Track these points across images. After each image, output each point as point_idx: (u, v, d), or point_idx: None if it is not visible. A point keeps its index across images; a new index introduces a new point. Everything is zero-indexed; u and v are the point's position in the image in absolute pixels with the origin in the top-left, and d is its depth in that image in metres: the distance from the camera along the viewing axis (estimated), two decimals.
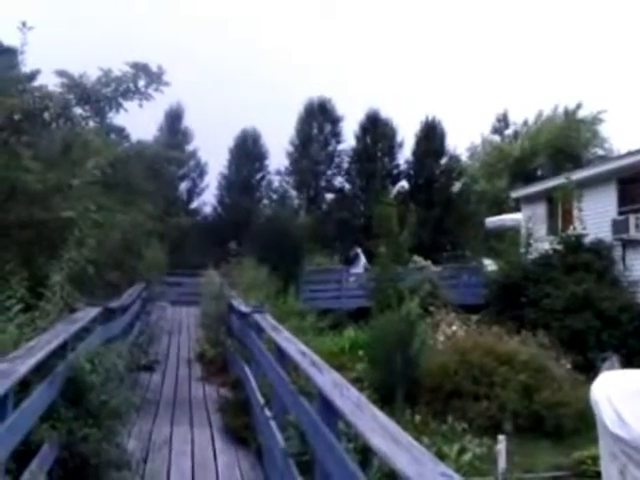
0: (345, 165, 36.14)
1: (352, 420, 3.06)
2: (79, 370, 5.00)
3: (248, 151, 35.51)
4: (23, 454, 3.90)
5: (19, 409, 3.72)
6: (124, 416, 5.52)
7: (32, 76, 10.05)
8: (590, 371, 11.16)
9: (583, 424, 9.20)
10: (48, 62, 8.57)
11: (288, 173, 36.09)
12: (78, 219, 7.33)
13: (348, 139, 35.94)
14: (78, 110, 7.77)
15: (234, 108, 41.47)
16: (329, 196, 36.46)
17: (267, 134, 36.10)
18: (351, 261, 24.31)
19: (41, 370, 4.35)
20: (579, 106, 34.45)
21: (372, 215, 27.73)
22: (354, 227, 32.82)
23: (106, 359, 5.40)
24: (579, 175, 17.52)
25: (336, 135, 36.15)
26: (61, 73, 7.51)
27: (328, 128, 36.02)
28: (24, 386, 4.01)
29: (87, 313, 6.41)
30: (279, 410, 5.44)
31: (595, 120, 34.40)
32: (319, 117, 35.88)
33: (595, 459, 7.74)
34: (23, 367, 3.78)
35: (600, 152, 33.92)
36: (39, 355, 4.16)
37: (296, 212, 32.24)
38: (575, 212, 16.26)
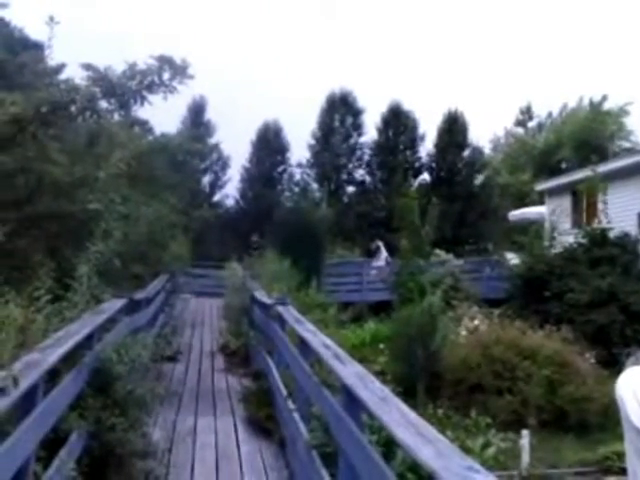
0: (366, 158, 36.06)
1: (376, 412, 3.06)
2: (106, 360, 5.08)
3: (270, 144, 35.58)
4: (53, 442, 3.98)
5: (48, 398, 3.79)
6: (149, 406, 5.59)
7: (58, 69, 10.18)
8: (614, 366, 11.01)
9: (608, 419, 9.11)
10: (74, 55, 8.67)
11: (309, 166, 36.12)
12: (104, 211, 7.42)
13: (370, 132, 35.89)
14: (103, 103, 7.84)
15: (256, 101, 41.63)
16: (350, 189, 36.45)
17: (289, 127, 36.20)
18: (372, 254, 24.30)
19: (69, 360, 4.42)
20: (605, 98, 33.94)
21: (393, 208, 27.61)
22: (375, 220, 32.75)
23: (132, 350, 5.47)
24: (604, 168, 17.28)
25: (357, 128, 36.05)
26: (87, 66, 7.58)
27: (350, 121, 35.93)
28: (53, 375, 4.08)
29: (113, 304, 6.49)
30: (302, 402, 5.47)
31: (621, 112, 33.87)
32: (341, 109, 35.80)
33: (620, 455, 7.65)
34: (52, 357, 3.85)
35: (626, 145, 33.38)
36: (67, 345, 4.22)
37: (317, 205, 32.21)
38: (600, 205, 16.05)
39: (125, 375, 5.12)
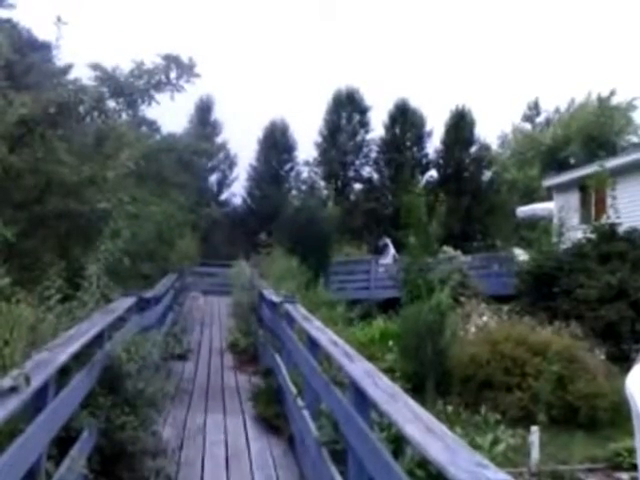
0: (373, 155, 36.01)
1: (385, 409, 3.07)
2: (116, 359, 5.12)
3: (277, 142, 35.59)
4: (64, 440, 4.01)
5: (59, 396, 3.82)
6: (159, 404, 5.62)
7: (66, 70, 10.23)
8: (624, 362, 10.99)
9: (618, 415, 9.07)
10: (82, 56, 8.71)
11: (316, 164, 36.11)
12: (113, 211, 7.46)
13: (376, 129, 35.84)
14: (111, 103, 7.87)
15: (263, 100, 41.66)
16: (357, 186, 36.42)
17: (295, 125, 36.22)
18: (380, 251, 24.29)
19: (80, 359, 4.46)
20: (613, 93, 33.74)
21: (401, 205, 27.57)
22: (382, 217, 32.73)
23: (142, 348, 5.50)
24: (613, 163, 17.19)
25: (364, 125, 36.00)
26: (95, 66, 7.62)
27: (356, 118, 35.87)
28: (64, 374, 4.12)
29: (122, 303, 6.54)
30: (311, 399, 5.49)
31: (629, 107, 33.67)
32: (347, 107, 35.74)
33: (631, 451, 7.63)
34: (63, 356, 3.88)
35: (634, 139, 33.20)
36: (78, 344, 4.26)
37: (324, 203, 32.23)
38: (609, 200, 15.96)
39: (135, 373, 5.15)
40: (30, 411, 3.35)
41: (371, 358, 6.75)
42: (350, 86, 35.59)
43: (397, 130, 35.23)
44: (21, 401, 3.00)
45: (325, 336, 5.24)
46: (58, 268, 5.67)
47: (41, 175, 7.83)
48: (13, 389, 2.98)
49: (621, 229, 15.52)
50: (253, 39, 49.26)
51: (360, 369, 3.84)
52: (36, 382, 3.22)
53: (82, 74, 8.05)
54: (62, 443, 3.97)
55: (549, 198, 22.18)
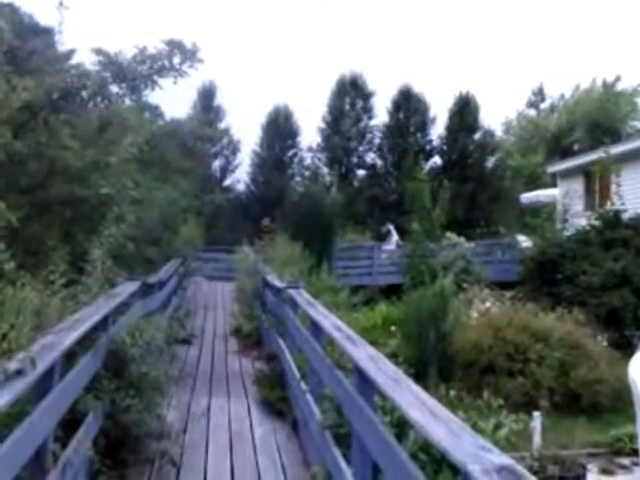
0: (377, 141, 35.87)
1: (389, 393, 3.09)
2: (120, 343, 5.15)
3: (280, 128, 35.48)
4: (70, 423, 4.05)
5: (65, 379, 3.85)
6: (164, 388, 5.66)
7: (68, 55, 10.19)
8: (627, 348, 11.01)
9: (620, 401, 9.10)
10: (84, 40, 8.68)
11: (320, 150, 35.99)
12: (116, 196, 7.47)
13: (380, 115, 35.66)
14: (114, 88, 7.86)
15: (266, 85, 41.50)
16: (361, 172, 36.32)
17: (299, 111, 36.11)
18: (383, 237, 24.31)
19: (85, 342, 4.49)
20: (618, 78, 33.56)
21: (404, 191, 27.54)
22: (386, 203, 32.68)
23: (146, 332, 5.53)
24: (617, 149, 17.11)
25: (368, 111, 35.82)
26: (98, 51, 7.60)
27: (360, 104, 35.69)
28: (69, 358, 4.15)
29: (127, 288, 6.56)
30: (315, 383, 5.51)
31: (634, 93, 33.48)
32: (351, 93, 35.57)
33: (632, 436, 7.68)
34: (68, 339, 3.91)
35: (639, 125, 33.03)
36: (83, 328, 4.29)
37: (328, 189, 32.11)
38: (613, 187, 15.90)
39: (139, 357, 5.18)
40: (36, 394, 3.38)
41: (374, 343, 6.75)
42: (354, 72, 35.41)
43: (401, 116, 35.06)
44: (27, 384, 3.03)
45: (329, 321, 5.25)
46: (62, 253, 5.70)
47: (45, 160, 7.84)
48: (19, 372, 3.01)
49: (625, 216, 15.48)
50: (256, 24, 48.88)
51: (364, 353, 3.85)
52: (42, 365, 3.24)
53: (85, 59, 8.04)
54: (68, 425, 4.00)
55: (553, 184, 22.11)
